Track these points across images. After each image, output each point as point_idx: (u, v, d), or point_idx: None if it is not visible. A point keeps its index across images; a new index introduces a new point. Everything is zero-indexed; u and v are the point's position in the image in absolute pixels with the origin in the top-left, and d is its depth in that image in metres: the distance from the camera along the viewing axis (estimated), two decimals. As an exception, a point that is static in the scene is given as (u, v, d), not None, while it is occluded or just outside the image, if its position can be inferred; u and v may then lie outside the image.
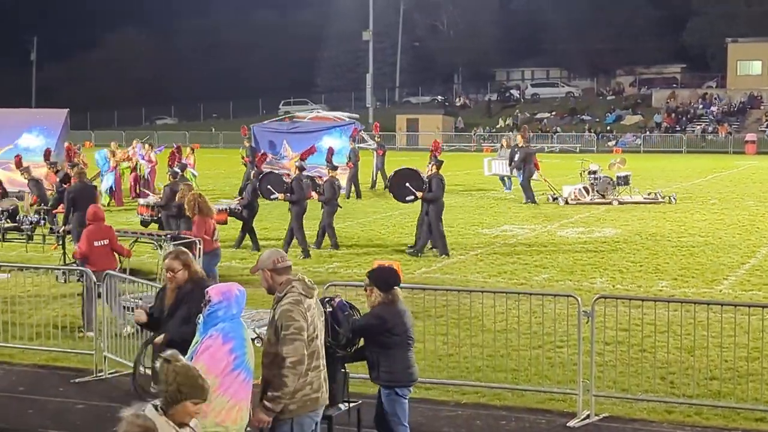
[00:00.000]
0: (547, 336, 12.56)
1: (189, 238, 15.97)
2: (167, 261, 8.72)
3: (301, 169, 21.74)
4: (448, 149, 70.55)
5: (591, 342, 10.67)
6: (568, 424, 10.30)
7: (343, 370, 8.69)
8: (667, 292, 16.97)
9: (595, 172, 31.13)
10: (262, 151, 28.40)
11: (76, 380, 11.66)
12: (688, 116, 74.93)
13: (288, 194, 20.92)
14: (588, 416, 10.44)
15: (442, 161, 21.25)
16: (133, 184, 32.24)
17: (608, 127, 75.17)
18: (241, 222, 21.82)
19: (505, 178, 34.16)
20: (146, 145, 33.58)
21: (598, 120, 78.29)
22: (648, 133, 71.61)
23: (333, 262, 20.01)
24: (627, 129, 74.26)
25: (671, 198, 30.83)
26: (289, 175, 22.69)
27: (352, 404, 8.88)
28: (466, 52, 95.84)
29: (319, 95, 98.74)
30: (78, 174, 20.20)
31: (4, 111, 36.16)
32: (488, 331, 12.81)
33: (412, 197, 21.02)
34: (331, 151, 26.97)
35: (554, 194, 31.17)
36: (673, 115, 75.00)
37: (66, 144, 29.78)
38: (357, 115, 42.99)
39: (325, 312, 8.18)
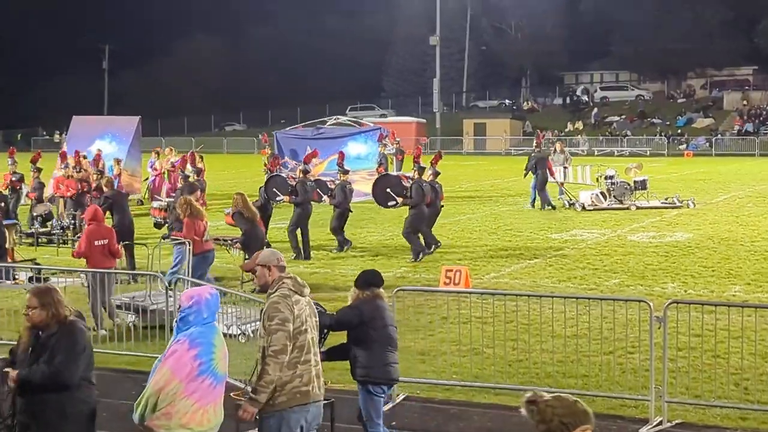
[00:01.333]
0: (618, 342, 12.43)
1: (180, 240, 16.53)
2: (27, 295, 7.59)
3: (305, 172, 22.28)
4: (516, 153, 70.35)
5: (663, 348, 10.54)
6: (640, 431, 10.19)
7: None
8: (740, 297, 16.70)
9: (612, 177, 30.71)
10: (275, 155, 28.38)
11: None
12: (761, 118, 73.76)
13: (292, 197, 21.68)
14: (660, 422, 10.31)
15: (425, 167, 21.64)
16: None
17: (679, 131, 74.31)
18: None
19: (560, 185, 32.36)
20: (154, 153, 33.91)
21: (668, 123, 77.43)
22: (719, 136, 70.63)
23: (400, 266, 20.02)
24: (698, 132, 73.37)
25: (689, 202, 30.32)
26: (294, 178, 23.00)
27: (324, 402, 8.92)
28: (534, 56, 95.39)
29: (386, 100, 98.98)
30: (108, 182, 20.98)
31: (78, 118, 36.76)
32: (558, 336, 12.72)
33: (394, 202, 21.81)
34: (342, 156, 26.85)
35: (570, 199, 30.81)
36: (745, 117, 73.90)
37: (75, 150, 30.32)
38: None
39: None
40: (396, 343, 9.08)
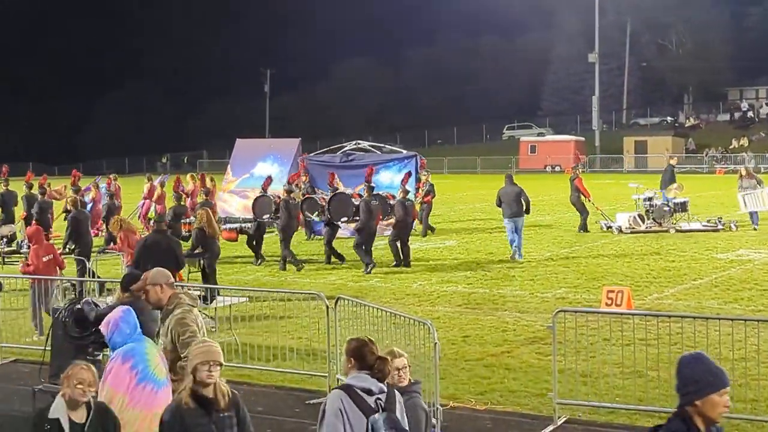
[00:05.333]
0: (789, 366, 12.00)
1: (114, 252, 18.40)
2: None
3: (289, 192, 24.06)
4: (678, 171, 68.68)
5: (838, 373, 10.11)
6: (814, 459, 9.80)
7: (89, 357, 9.50)
8: None
9: (651, 199, 29.48)
10: (268, 176, 28.34)
11: (311, 401, 11.95)
12: None
13: (276, 214, 23.74)
14: (836, 451, 9.90)
15: (409, 191, 24.02)
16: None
17: None
18: (251, 238, 24.66)
19: (754, 215, 29.49)
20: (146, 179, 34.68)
21: (839, 139, 74.51)
22: None
23: (560, 287, 19.80)
24: None
25: (732, 225, 28.83)
26: (279, 198, 24.21)
27: None
28: (696, 72, 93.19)
29: (544, 118, 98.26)
30: (73, 202, 21.75)
31: (242, 141, 37.69)
32: (725, 359, 12.32)
33: (345, 219, 24.16)
34: (332, 176, 27.05)
35: (608, 222, 29.70)
36: None
37: (73, 170, 31.05)
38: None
39: (74, 308, 9.42)
40: (154, 337, 9.76)
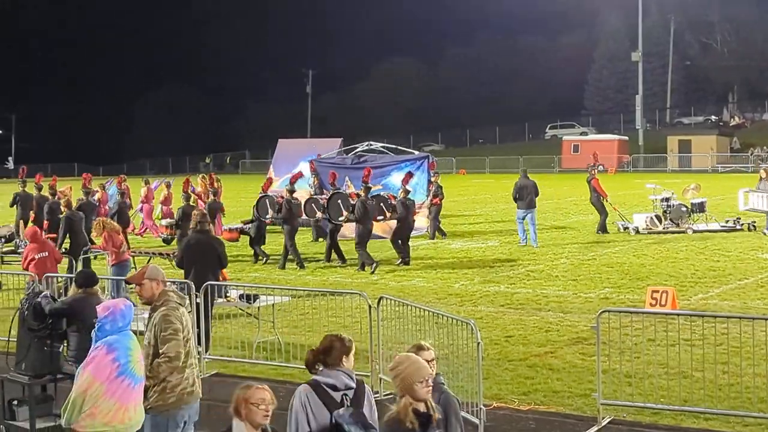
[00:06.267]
0: (837, 367, 11.83)
1: (99, 251, 19.00)
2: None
3: (291, 192, 24.24)
4: (723, 170, 68.09)
5: None
6: None
7: (46, 348, 10.22)
8: None
9: (668, 199, 29.09)
10: (269, 177, 28.63)
11: (354, 401, 11.92)
12: None
13: (278, 214, 24.16)
14: None
15: (409, 191, 24.35)
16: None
17: None
18: (250, 239, 25.52)
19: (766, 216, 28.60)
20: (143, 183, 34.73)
21: None
22: None
23: (604, 287, 19.67)
24: None
25: (750, 225, 28.36)
26: (282, 197, 24.41)
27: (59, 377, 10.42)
28: (741, 70, 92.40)
29: (587, 118, 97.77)
30: (67, 203, 21.96)
31: (284, 141, 37.89)
32: (772, 360, 12.22)
33: (344, 217, 24.00)
34: (333, 176, 27.20)
35: (625, 223, 29.39)
36: None
37: (83, 173, 31.29)
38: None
39: (32, 301, 10.08)
40: None
